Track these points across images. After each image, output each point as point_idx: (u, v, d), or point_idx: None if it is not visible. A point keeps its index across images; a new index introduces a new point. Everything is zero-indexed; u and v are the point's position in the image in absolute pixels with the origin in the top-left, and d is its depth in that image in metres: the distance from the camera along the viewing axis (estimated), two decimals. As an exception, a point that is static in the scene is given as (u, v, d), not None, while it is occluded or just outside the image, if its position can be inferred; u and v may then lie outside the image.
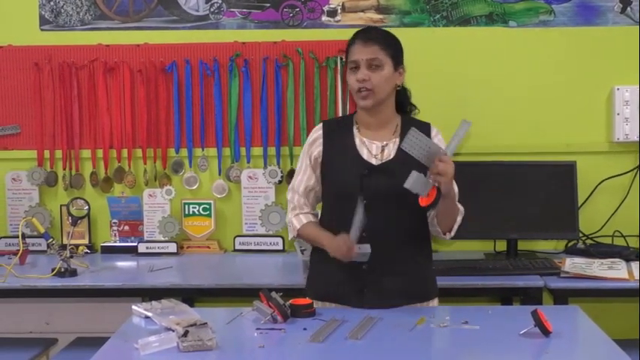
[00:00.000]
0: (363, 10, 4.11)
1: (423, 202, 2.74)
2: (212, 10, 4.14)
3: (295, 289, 3.06)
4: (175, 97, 4.14)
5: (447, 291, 3.41)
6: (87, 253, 3.87)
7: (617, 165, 4.07)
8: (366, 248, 2.79)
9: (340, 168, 2.93)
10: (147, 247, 4.04)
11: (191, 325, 2.49)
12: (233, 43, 4.13)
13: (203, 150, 4.16)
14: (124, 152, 4.16)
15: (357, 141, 2.95)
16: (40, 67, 4.14)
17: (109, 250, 4.10)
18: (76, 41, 4.15)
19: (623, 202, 4.07)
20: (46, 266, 3.68)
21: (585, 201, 4.03)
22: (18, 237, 3.75)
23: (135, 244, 4.08)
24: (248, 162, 4.16)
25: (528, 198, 3.87)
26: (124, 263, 3.92)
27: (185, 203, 4.12)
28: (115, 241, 4.14)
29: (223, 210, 4.20)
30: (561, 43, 4.08)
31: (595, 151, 4.07)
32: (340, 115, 3.97)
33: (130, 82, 4.14)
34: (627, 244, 3.95)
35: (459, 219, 2.96)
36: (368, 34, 2.93)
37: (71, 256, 3.61)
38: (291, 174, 3.95)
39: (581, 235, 3.97)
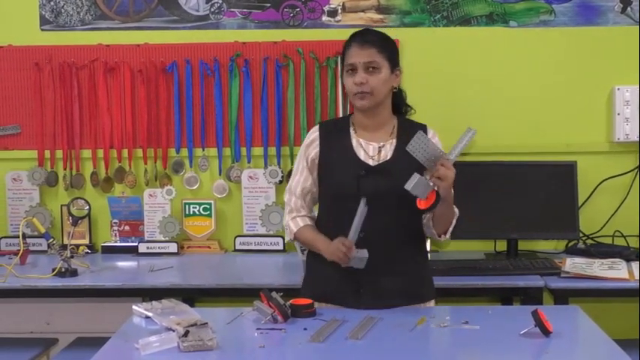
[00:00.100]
0: (363, 10, 4.11)
1: (421, 204, 2.75)
2: (212, 10, 4.15)
3: (296, 289, 3.06)
4: (176, 97, 4.14)
5: (447, 291, 3.43)
6: (87, 253, 3.87)
7: (617, 165, 4.07)
8: (364, 253, 2.79)
9: (337, 169, 2.93)
10: (147, 247, 4.04)
11: (191, 325, 2.49)
12: (233, 43, 4.13)
13: (203, 150, 4.17)
14: (125, 152, 4.16)
15: (354, 142, 2.96)
16: (41, 67, 4.15)
17: (109, 250, 4.10)
18: (77, 41, 4.15)
19: (623, 202, 4.07)
20: (46, 266, 3.69)
21: (586, 201, 4.03)
22: (18, 237, 3.75)
23: (135, 244, 4.08)
24: (248, 162, 4.16)
25: (529, 198, 3.87)
26: (125, 263, 3.92)
27: (185, 203, 4.13)
28: (116, 241, 4.14)
29: (224, 210, 4.20)
30: (562, 43, 4.08)
31: (595, 151, 4.07)
32: (341, 115, 3.97)
33: (131, 82, 4.14)
34: (627, 244, 3.96)
35: (454, 221, 2.96)
36: (364, 37, 2.93)
37: (72, 256, 3.61)
38: (291, 174, 3.95)
39: (581, 235, 3.97)
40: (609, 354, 2.50)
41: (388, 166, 2.90)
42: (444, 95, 4.09)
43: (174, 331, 2.54)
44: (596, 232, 4.03)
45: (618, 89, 4.04)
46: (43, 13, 4.16)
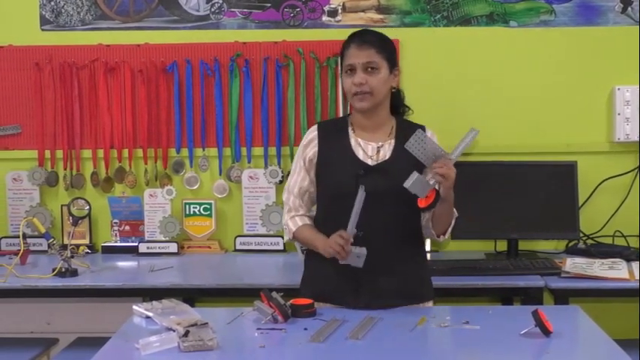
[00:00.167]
0: (363, 10, 4.11)
1: (421, 203, 2.76)
2: (213, 10, 4.15)
3: (296, 289, 3.05)
4: (176, 97, 4.14)
5: (447, 291, 3.43)
6: (88, 253, 3.87)
7: (617, 165, 4.07)
8: (362, 250, 2.78)
9: (336, 168, 2.93)
10: (147, 247, 4.04)
11: (192, 325, 2.49)
12: (234, 43, 4.13)
13: (204, 150, 4.17)
14: (125, 152, 4.16)
15: (353, 142, 2.96)
16: (41, 67, 4.15)
17: (109, 250, 4.10)
18: (77, 41, 4.15)
19: (623, 202, 4.07)
20: (46, 266, 3.69)
21: (586, 201, 4.03)
22: (19, 237, 3.75)
23: (136, 244, 4.08)
24: (249, 162, 4.16)
25: (529, 198, 3.87)
26: (125, 263, 3.92)
27: (186, 203, 4.13)
28: (116, 241, 4.14)
29: (224, 210, 4.20)
30: (562, 43, 4.09)
31: (596, 151, 4.07)
32: (341, 115, 3.97)
33: (131, 82, 4.14)
34: (628, 244, 3.95)
35: (453, 222, 2.97)
36: (363, 38, 2.93)
37: (72, 256, 3.61)
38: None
39: (581, 235, 3.97)
40: (609, 354, 2.50)
41: (387, 165, 2.91)
42: (444, 95, 4.09)
43: (174, 331, 2.54)
44: (596, 232, 4.03)
45: (618, 89, 4.04)
46: (44, 13, 4.16)
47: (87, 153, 4.18)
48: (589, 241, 3.99)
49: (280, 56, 4.11)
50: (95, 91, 4.15)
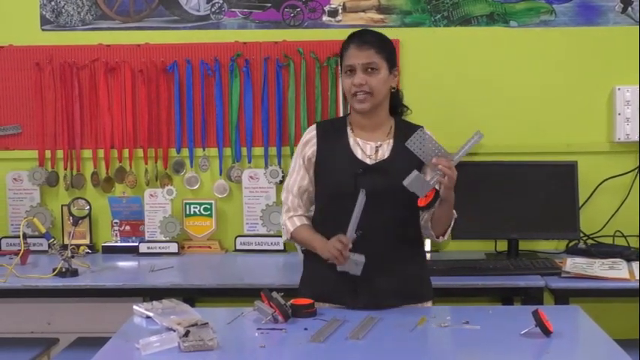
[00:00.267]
0: (364, 10, 4.11)
1: (420, 202, 2.76)
2: (213, 10, 4.15)
3: (296, 289, 3.06)
4: (176, 97, 4.14)
5: (447, 291, 3.43)
6: (88, 253, 3.88)
7: (617, 165, 4.07)
8: (361, 257, 2.78)
9: (334, 168, 2.93)
10: (148, 247, 4.05)
11: (192, 325, 2.49)
12: (234, 43, 4.13)
13: (204, 150, 4.17)
14: (125, 152, 4.16)
15: (351, 141, 2.96)
16: (41, 67, 4.15)
17: (110, 250, 4.10)
18: (77, 41, 4.15)
19: (624, 202, 4.07)
20: (47, 266, 3.69)
21: (586, 201, 4.03)
22: (19, 237, 3.76)
23: (136, 244, 4.08)
24: (249, 162, 4.16)
25: (529, 198, 3.87)
26: (125, 263, 3.92)
27: (186, 203, 4.13)
28: (116, 241, 4.14)
29: (224, 210, 4.20)
30: (562, 43, 4.09)
31: (596, 151, 4.07)
32: (342, 115, 3.97)
33: (131, 82, 4.14)
34: (628, 244, 3.96)
35: (452, 223, 2.97)
36: (363, 38, 2.92)
37: (72, 256, 3.61)
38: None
39: (582, 235, 3.97)
40: (610, 354, 2.50)
41: (386, 165, 2.91)
42: (445, 95, 4.09)
43: (174, 331, 2.54)
44: (596, 232, 4.03)
45: (619, 89, 4.04)
46: (44, 13, 4.16)
47: (87, 153, 4.18)
48: (589, 241, 3.99)
49: (280, 56, 4.11)
50: (95, 91, 4.15)
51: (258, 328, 2.70)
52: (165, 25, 4.16)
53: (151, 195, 4.11)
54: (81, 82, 4.15)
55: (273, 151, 4.13)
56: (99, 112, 4.16)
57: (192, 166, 4.18)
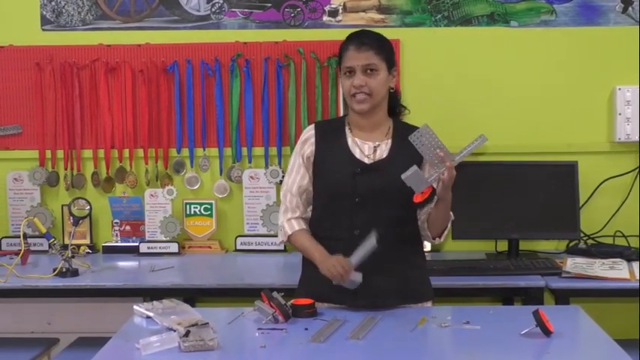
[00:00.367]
0: (364, 10, 4.11)
1: (416, 198, 2.76)
2: (213, 10, 4.15)
3: (296, 289, 3.06)
4: (177, 97, 4.14)
5: (448, 291, 3.43)
6: (88, 253, 3.88)
7: (618, 165, 4.07)
8: (358, 277, 2.79)
9: (333, 167, 2.93)
10: (148, 247, 4.05)
11: (192, 325, 2.49)
12: (234, 43, 4.13)
13: (204, 150, 4.17)
14: (126, 152, 4.16)
15: (350, 141, 2.96)
16: (42, 67, 4.15)
17: (110, 250, 4.10)
18: (78, 41, 4.15)
19: (624, 202, 4.07)
20: (47, 266, 3.69)
21: (586, 201, 4.03)
22: (19, 237, 3.76)
23: (136, 244, 4.08)
24: (249, 162, 4.16)
25: (529, 198, 3.87)
26: (126, 263, 3.92)
27: (186, 203, 4.13)
28: (117, 241, 4.14)
29: (225, 210, 4.20)
30: (563, 43, 4.09)
31: (596, 151, 4.07)
32: (342, 114, 3.97)
33: (132, 82, 4.14)
34: (628, 244, 3.95)
35: (449, 226, 2.96)
36: (362, 39, 2.92)
37: (73, 256, 3.61)
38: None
39: (582, 235, 3.97)
40: (610, 354, 2.50)
41: (384, 164, 2.91)
42: (445, 95, 4.09)
43: (175, 331, 2.54)
44: (597, 232, 4.03)
45: (619, 89, 4.04)
46: (44, 13, 4.16)
47: (87, 153, 4.18)
48: (590, 241, 3.99)
49: (281, 56, 4.11)
50: (96, 91, 4.15)
51: (259, 328, 2.70)
52: (166, 25, 4.16)
53: (152, 195, 4.10)
54: (81, 82, 4.15)
55: (273, 151, 4.13)
56: (99, 112, 4.16)
57: (192, 166, 4.18)
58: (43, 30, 4.17)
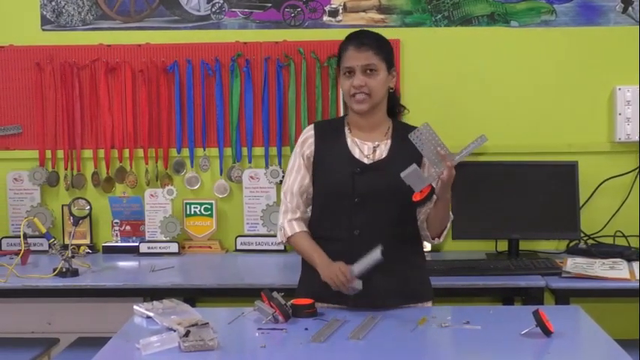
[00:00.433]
0: (364, 10, 4.11)
1: (415, 197, 2.75)
2: (213, 10, 4.15)
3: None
4: (177, 97, 4.14)
5: (448, 291, 3.43)
6: (88, 253, 3.88)
7: (618, 165, 4.07)
8: (358, 285, 2.79)
9: (332, 167, 2.93)
10: (148, 247, 4.05)
11: (193, 325, 2.49)
12: (234, 43, 4.13)
13: (204, 150, 4.17)
14: (126, 152, 4.16)
15: (349, 141, 2.96)
16: (42, 67, 4.15)
17: (110, 250, 4.10)
18: (78, 41, 4.15)
19: (624, 202, 4.07)
20: (47, 266, 3.68)
21: (587, 201, 4.03)
22: (19, 237, 3.76)
23: (136, 244, 4.08)
24: (249, 162, 4.16)
25: (530, 198, 3.87)
26: (126, 263, 3.92)
27: (186, 203, 4.13)
28: (117, 241, 4.14)
29: (225, 210, 4.20)
30: (563, 43, 4.09)
31: (596, 151, 4.07)
32: (342, 114, 3.97)
33: (132, 82, 4.14)
34: (629, 244, 3.95)
35: (449, 226, 2.96)
36: (361, 40, 2.92)
37: (73, 256, 3.61)
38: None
39: (582, 235, 3.97)
40: (610, 354, 2.50)
41: (383, 164, 2.90)
42: (445, 95, 4.09)
43: (175, 331, 2.54)
44: (597, 232, 4.03)
45: (619, 89, 4.04)
46: (45, 13, 4.16)
47: (88, 153, 4.18)
48: (590, 241, 3.99)
49: (281, 56, 4.11)
50: (96, 91, 4.15)
51: (259, 328, 2.70)
52: (166, 25, 4.16)
53: (152, 195, 4.10)
54: (81, 82, 4.15)
55: (273, 151, 4.13)
56: (99, 112, 4.16)
57: (192, 166, 4.18)
58: (43, 30, 4.17)
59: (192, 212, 4.13)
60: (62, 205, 4.13)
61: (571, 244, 3.99)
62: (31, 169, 4.16)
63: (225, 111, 4.14)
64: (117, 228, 4.14)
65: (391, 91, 2.98)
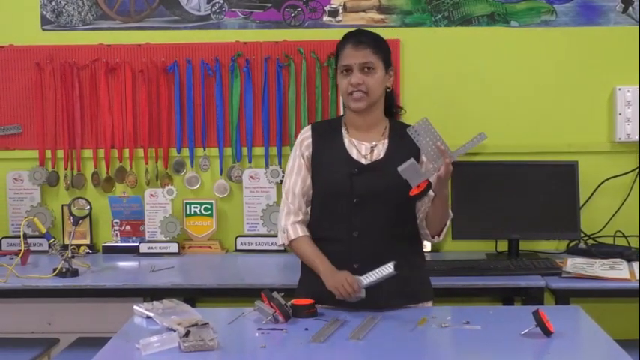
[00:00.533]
0: (364, 10, 4.11)
1: (412, 192, 2.74)
2: (213, 10, 4.15)
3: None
4: (177, 97, 4.14)
5: (448, 291, 3.43)
6: (88, 253, 3.88)
7: (618, 165, 4.07)
8: (362, 294, 2.78)
9: (330, 168, 2.93)
10: (148, 247, 4.05)
11: (193, 325, 2.49)
12: (234, 43, 4.13)
13: (204, 150, 4.17)
14: (126, 152, 4.16)
15: (347, 142, 2.96)
16: (42, 67, 4.15)
17: (110, 250, 4.10)
18: (78, 41, 4.15)
19: (624, 202, 4.07)
20: (47, 266, 3.68)
21: (587, 201, 4.03)
22: (20, 237, 3.76)
23: (136, 244, 4.08)
24: (249, 162, 4.16)
25: (530, 198, 3.87)
26: (126, 263, 3.92)
27: (186, 203, 4.13)
28: (117, 241, 4.14)
29: (225, 210, 4.20)
30: (563, 43, 4.09)
31: (596, 151, 4.07)
32: (342, 114, 3.96)
33: (132, 82, 4.14)
34: (629, 244, 3.95)
35: (448, 223, 2.96)
36: (359, 38, 2.92)
37: (73, 256, 3.61)
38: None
39: (582, 235, 3.97)
40: (610, 354, 2.50)
41: (381, 164, 2.90)
42: (445, 95, 4.09)
43: (175, 331, 2.54)
44: (597, 232, 4.03)
45: (619, 89, 4.04)
46: (45, 13, 4.16)
47: (88, 153, 4.18)
48: (590, 241, 3.99)
49: (281, 56, 4.11)
50: (96, 91, 4.15)
51: (259, 328, 2.70)
52: (166, 25, 4.16)
53: (152, 195, 4.10)
54: (81, 82, 4.15)
55: (273, 151, 4.13)
56: (99, 112, 4.16)
57: (192, 166, 4.18)
58: (43, 30, 4.17)
59: (192, 212, 4.13)
60: (62, 205, 4.13)
61: (571, 244, 3.99)
62: (31, 169, 4.16)
63: (225, 111, 4.14)
64: (117, 228, 4.14)
65: (388, 90, 2.98)
